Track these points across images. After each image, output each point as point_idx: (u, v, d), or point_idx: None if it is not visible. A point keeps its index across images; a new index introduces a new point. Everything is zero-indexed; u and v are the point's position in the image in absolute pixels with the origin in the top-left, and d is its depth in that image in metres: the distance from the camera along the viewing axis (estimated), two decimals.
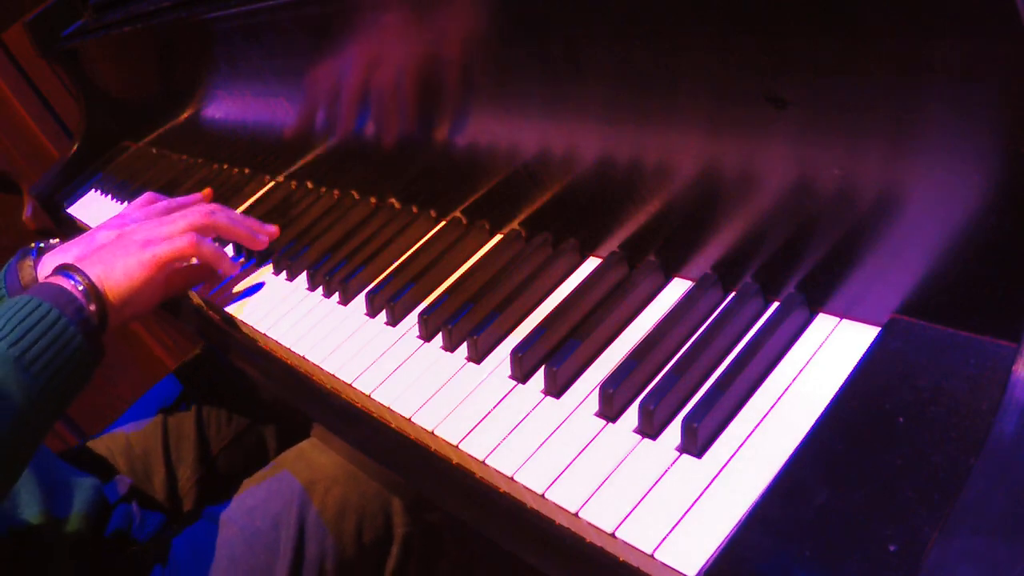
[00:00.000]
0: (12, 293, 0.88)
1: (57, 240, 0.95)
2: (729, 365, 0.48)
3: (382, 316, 0.68)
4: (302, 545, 0.73)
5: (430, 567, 0.79)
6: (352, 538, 0.75)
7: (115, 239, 0.79)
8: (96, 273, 0.73)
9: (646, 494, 0.44)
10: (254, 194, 1.03)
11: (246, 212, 0.98)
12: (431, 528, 0.78)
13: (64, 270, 0.73)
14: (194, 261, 0.82)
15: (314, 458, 0.78)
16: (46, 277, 0.73)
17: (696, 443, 0.45)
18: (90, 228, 1.05)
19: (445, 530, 0.78)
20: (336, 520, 0.74)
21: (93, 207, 1.35)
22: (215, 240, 0.85)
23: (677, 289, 0.57)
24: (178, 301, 0.92)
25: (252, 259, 0.88)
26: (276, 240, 0.87)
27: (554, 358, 0.54)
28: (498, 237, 0.71)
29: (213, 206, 0.83)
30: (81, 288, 0.71)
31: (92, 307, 0.71)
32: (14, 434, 0.61)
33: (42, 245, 0.94)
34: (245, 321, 0.77)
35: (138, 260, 0.75)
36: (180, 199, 0.94)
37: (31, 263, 0.88)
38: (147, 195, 0.96)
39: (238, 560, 0.72)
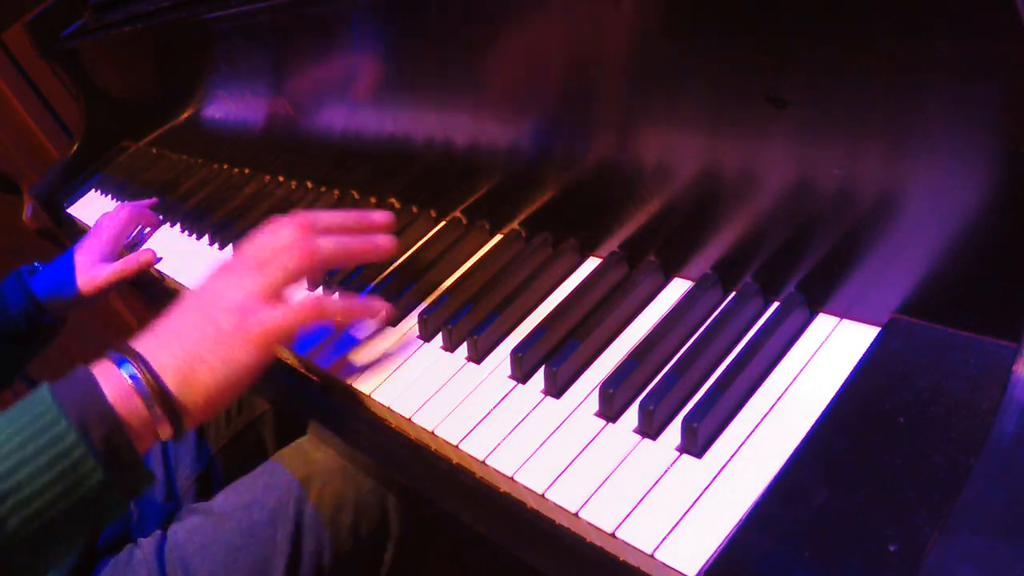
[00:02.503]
0: (16, 303, 0.93)
1: (38, 264, 1.00)
2: (729, 365, 0.48)
3: None
4: (299, 540, 0.73)
5: (426, 562, 0.79)
6: (348, 533, 0.75)
7: (196, 305, 0.56)
8: (172, 363, 0.50)
9: (646, 494, 0.44)
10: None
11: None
12: (427, 523, 0.78)
13: (120, 355, 0.51)
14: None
15: (310, 454, 0.78)
16: (94, 363, 0.51)
17: (696, 443, 0.45)
18: (90, 229, 1.05)
19: (442, 527, 0.78)
20: (333, 515, 0.74)
21: (93, 207, 1.35)
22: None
23: (677, 289, 0.57)
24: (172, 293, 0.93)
25: None
26: None
27: (554, 358, 0.54)
28: (498, 237, 0.71)
29: (304, 223, 0.59)
30: (141, 390, 0.49)
31: (155, 410, 0.49)
32: None
33: (29, 269, 1.00)
34: None
35: (243, 338, 0.52)
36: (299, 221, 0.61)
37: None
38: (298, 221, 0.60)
39: (235, 555, 0.72)
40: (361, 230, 0.62)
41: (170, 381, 0.50)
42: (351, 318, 0.60)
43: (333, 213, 0.62)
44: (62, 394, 0.48)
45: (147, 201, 1.13)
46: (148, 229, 1.09)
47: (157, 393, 0.49)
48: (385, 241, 0.61)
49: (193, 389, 0.50)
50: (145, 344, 0.52)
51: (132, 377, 0.49)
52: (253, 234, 0.60)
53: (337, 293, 0.66)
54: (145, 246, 1.05)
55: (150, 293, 1.00)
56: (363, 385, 0.61)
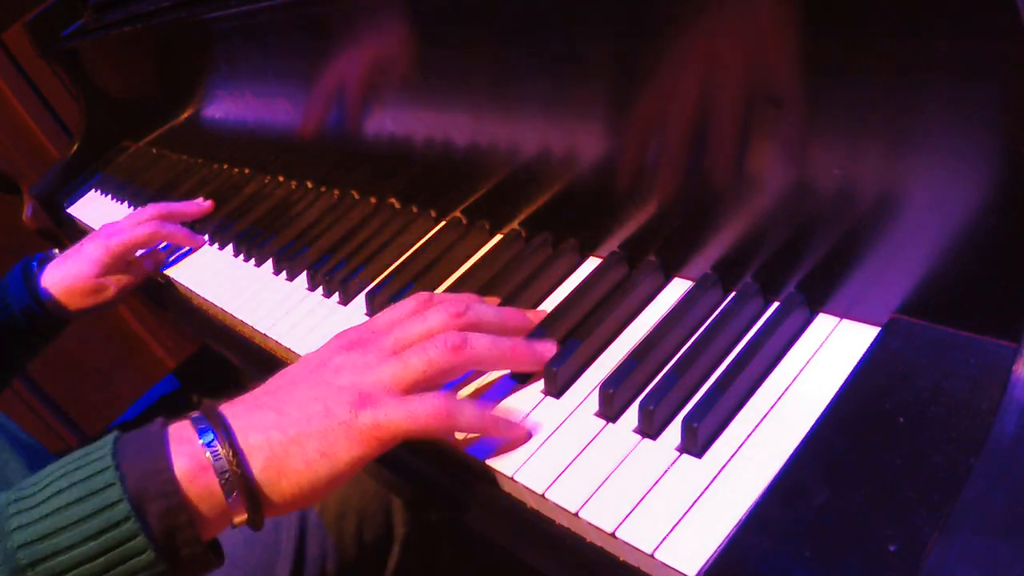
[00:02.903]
0: (19, 301, 0.89)
1: (57, 250, 0.95)
2: (729, 365, 0.48)
3: None
4: (303, 546, 0.73)
5: (430, 567, 0.79)
6: (352, 539, 0.75)
7: (309, 373, 0.47)
8: (261, 442, 0.43)
9: (646, 494, 0.44)
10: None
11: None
12: (431, 528, 0.78)
13: (204, 420, 0.44)
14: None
15: None
16: (176, 420, 0.44)
17: (696, 443, 0.45)
18: (91, 229, 1.04)
19: (445, 530, 0.78)
20: (336, 521, 0.74)
21: (93, 207, 1.35)
22: None
23: (677, 289, 0.57)
24: (179, 300, 0.93)
25: (251, 259, 0.87)
26: (277, 240, 0.87)
27: (554, 358, 0.54)
28: (498, 237, 0.71)
29: (460, 313, 0.51)
30: (220, 468, 0.42)
31: (231, 495, 0.42)
32: None
33: (42, 256, 0.95)
34: (245, 321, 0.77)
35: (349, 430, 0.44)
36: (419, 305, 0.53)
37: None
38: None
39: (238, 561, 0.72)
40: (518, 331, 0.54)
41: (256, 465, 0.43)
42: (483, 433, 0.50)
43: (491, 308, 0.53)
44: (126, 453, 0.41)
45: (191, 208, 0.99)
46: (179, 249, 0.97)
47: (238, 477, 0.42)
48: (548, 350, 0.52)
49: (281, 477, 0.43)
50: (236, 413, 0.45)
51: (213, 453, 0.42)
52: (397, 306, 0.53)
53: (470, 397, 0.55)
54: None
55: (153, 296, 1.00)
56: None
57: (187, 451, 0.42)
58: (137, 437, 0.43)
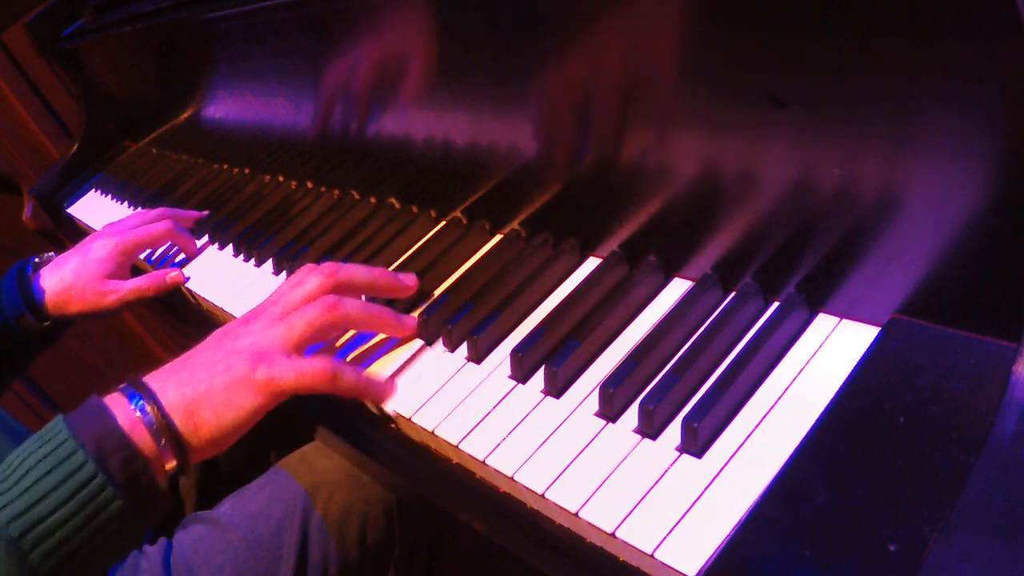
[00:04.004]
0: (13, 308, 0.86)
1: (52, 253, 0.92)
2: (729, 365, 0.48)
3: None
4: (305, 551, 0.73)
5: (434, 571, 0.79)
6: (355, 543, 0.75)
7: (214, 342, 0.57)
8: (180, 398, 0.51)
9: (646, 494, 0.44)
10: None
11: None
12: (435, 532, 0.77)
13: (131, 388, 0.52)
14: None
15: (316, 463, 0.78)
16: (107, 394, 0.52)
17: (696, 443, 0.45)
18: (91, 229, 1.04)
19: (450, 537, 0.78)
20: (339, 525, 0.74)
21: (93, 207, 1.35)
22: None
23: (677, 289, 0.57)
24: (179, 302, 0.92)
25: (251, 259, 0.87)
26: (277, 240, 0.87)
27: (554, 358, 0.54)
28: (498, 237, 0.71)
29: (330, 274, 0.60)
30: (150, 422, 0.50)
31: (163, 445, 0.50)
32: None
33: (37, 260, 0.90)
34: None
35: (247, 382, 0.53)
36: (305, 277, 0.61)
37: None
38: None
39: (241, 566, 0.72)
40: (390, 291, 0.63)
41: (176, 417, 0.51)
42: (360, 398, 0.58)
43: (365, 270, 0.62)
44: (77, 426, 0.49)
45: (193, 214, 0.98)
46: (181, 253, 0.96)
47: (164, 427, 0.50)
48: (411, 322, 0.62)
49: (198, 426, 0.51)
50: (157, 379, 0.53)
51: (141, 411, 0.50)
52: (285, 280, 0.61)
53: (350, 359, 0.64)
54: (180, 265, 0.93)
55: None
56: None
57: (123, 413, 0.50)
58: (81, 412, 0.50)
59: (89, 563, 0.47)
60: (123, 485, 0.47)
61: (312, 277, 0.60)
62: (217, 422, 0.52)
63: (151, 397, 0.51)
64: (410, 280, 0.65)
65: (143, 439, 0.50)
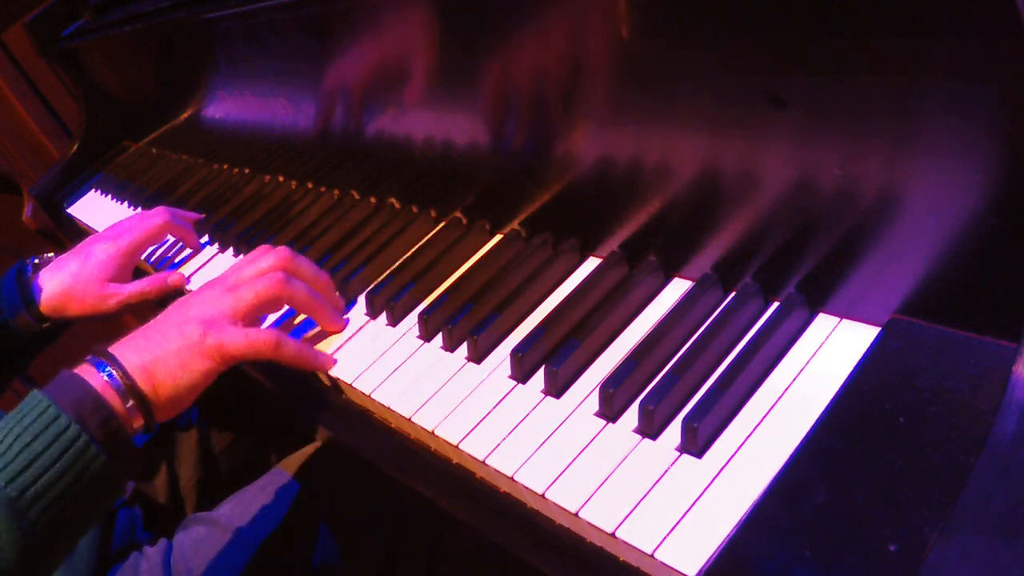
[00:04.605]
0: (11, 309, 0.85)
1: (52, 254, 0.91)
2: (729, 365, 0.48)
3: (382, 316, 0.68)
4: (306, 551, 0.73)
5: (434, 571, 0.79)
6: (355, 543, 0.75)
7: (170, 313, 0.62)
8: (139, 363, 0.56)
9: (646, 494, 0.44)
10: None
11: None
12: (435, 532, 0.77)
13: (97, 358, 0.57)
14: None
15: (316, 464, 0.78)
16: (75, 367, 0.57)
17: (696, 443, 0.45)
18: (91, 229, 1.03)
19: (448, 533, 0.78)
20: (339, 526, 0.74)
21: (93, 207, 1.35)
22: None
23: (677, 289, 0.57)
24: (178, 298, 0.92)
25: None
26: (277, 240, 0.87)
27: (554, 358, 0.54)
28: (498, 237, 0.71)
29: (283, 256, 0.65)
30: (118, 386, 0.55)
31: (130, 406, 0.55)
32: None
33: (37, 260, 0.89)
34: None
35: (198, 347, 0.58)
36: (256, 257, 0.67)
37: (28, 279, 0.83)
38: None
39: (242, 567, 0.72)
40: (325, 293, 0.68)
41: (138, 379, 0.56)
42: (299, 367, 0.63)
43: (314, 268, 0.68)
44: (55, 395, 0.53)
45: (192, 215, 0.98)
46: (186, 249, 0.95)
47: (130, 389, 0.55)
48: (338, 328, 0.67)
49: (156, 388, 0.56)
50: (118, 348, 0.58)
51: (109, 376, 0.55)
52: (244, 258, 0.67)
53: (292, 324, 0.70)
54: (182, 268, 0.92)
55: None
56: (364, 385, 0.61)
57: (94, 380, 0.55)
58: (57, 383, 0.54)
59: (78, 517, 0.52)
60: (104, 443, 0.52)
61: (266, 256, 0.65)
62: (174, 383, 0.57)
63: (116, 363, 0.56)
64: (338, 323, 0.67)
65: (114, 401, 0.54)
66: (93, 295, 0.85)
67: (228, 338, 0.58)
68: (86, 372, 0.55)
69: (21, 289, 0.86)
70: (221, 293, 0.62)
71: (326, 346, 0.67)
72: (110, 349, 0.57)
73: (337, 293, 0.70)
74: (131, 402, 0.55)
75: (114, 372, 0.55)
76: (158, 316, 0.62)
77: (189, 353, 0.57)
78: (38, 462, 0.50)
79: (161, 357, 0.57)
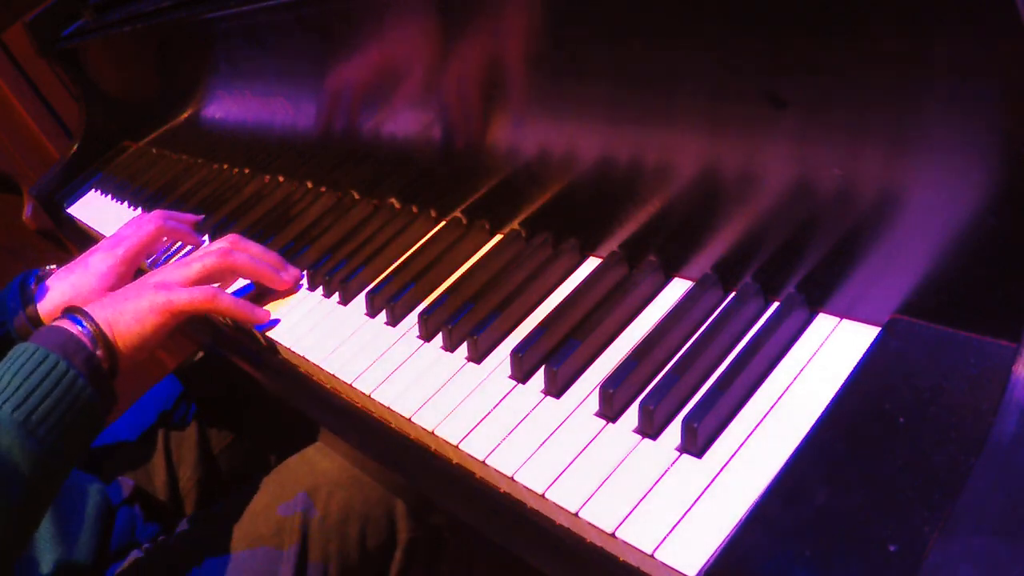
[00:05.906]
0: (14, 317, 0.87)
1: (54, 266, 0.92)
2: (729, 365, 0.48)
3: (382, 316, 0.68)
4: (306, 551, 0.73)
5: (434, 571, 0.79)
6: (356, 543, 0.75)
7: (137, 282, 0.75)
8: (104, 317, 0.68)
9: (646, 494, 0.44)
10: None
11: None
12: (435, 533, 0.77)
13: (71, 313, 0.68)
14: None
15: (317, 463, 0.78)
16: (53, 320, 0.69)
17: (696, 443, 0.45)
18: (91, 229, 1.03)
19: (448, 533, 0.78)
20: (340, 525, 0.74)
21: (93, 207, 1.35)
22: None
23: (677, 289, 0.57)
24: None
25: None
26: (277, 240, 0.87)
27: (554, 358, 0.54)
28: (498, 237, 0.71)
29: (232, 239, 0.78)
30: (89, 334, 0.66)
31: (100, 352, 0.66)
32: (24, 505, 0.58)
33: (40, 272, 0.92)
34: None
35: (150, 304, 0.70)
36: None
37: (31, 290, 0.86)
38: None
39: (241, 565, 0.72)
40: (272, 270, 0.78)
41: (105, 329, 0.68)
42: (235, 317, 0.74)
43: (260, 247, 0.79)
44: (43, 341, 0.64)
45: (189, 216, 0.98)
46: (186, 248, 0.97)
47: (99, 336, 0.67)
48: (289, 278, 0.78)
49: (117, 337, 0.68)
50: (89, 307, 0.69)
51: (81, 326, 0.67)
52: (204, 246, 0.79)
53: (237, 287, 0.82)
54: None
55: None
56: (364, 385, 0.61)
57: (72, 328, 0.66)
58: (42, 333, 0.66)
59: (73, 440, 0.62)
60: (89, 377, 0.63)
61: (219, 241, 0.78)
62: (131, 334, 0.69)
63: (88, 317, 0.67)
64: (289, 275, 0.78)
65: (90, 344, 0.66)
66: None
67: (175, 296, 0.71)
68: (64, 323, 0.67)
69: (24, 300, 0.86)
70: (174, 267, 0.75)
71: (332, 339, 0.67)
72: (85, 307, 0.69)
73: (288, 265, 0.80)
74: (100, 347, 0.66)
75: (86, 323, 0.67)
76: (128, 284, 0.76)
77: (144, 310, 0.70)
78: (37, 392, 0.60)
79: (122, 312, 0.69)
